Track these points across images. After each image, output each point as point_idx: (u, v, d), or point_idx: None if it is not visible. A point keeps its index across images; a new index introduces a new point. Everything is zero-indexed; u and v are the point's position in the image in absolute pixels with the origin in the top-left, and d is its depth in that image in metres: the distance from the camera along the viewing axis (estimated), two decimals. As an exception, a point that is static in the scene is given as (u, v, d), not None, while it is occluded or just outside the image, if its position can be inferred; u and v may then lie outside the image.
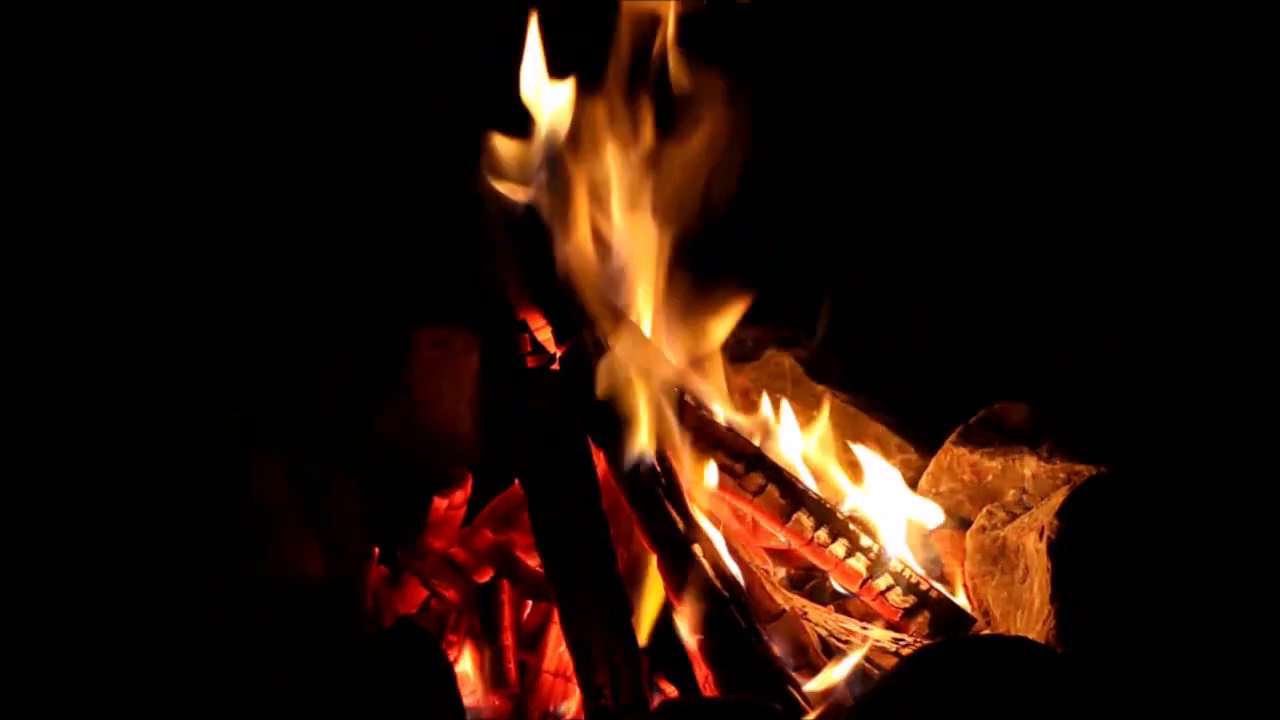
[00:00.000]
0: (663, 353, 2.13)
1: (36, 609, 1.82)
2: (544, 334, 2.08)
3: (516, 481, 2.07)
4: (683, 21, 2.16)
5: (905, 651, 1.93)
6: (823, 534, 2.08)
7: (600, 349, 2.01)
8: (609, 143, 2.14)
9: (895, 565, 2.07)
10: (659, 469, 1.94)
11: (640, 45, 2.17)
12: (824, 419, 2.35)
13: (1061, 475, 2.19)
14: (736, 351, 2.58)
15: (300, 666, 1.81)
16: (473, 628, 2.04)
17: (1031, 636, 1.84)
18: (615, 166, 2.14)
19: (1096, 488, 1.93)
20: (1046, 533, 1.89)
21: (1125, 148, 2.83)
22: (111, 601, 1.84)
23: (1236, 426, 2.22)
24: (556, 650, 1.95)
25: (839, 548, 2.08)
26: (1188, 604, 1.74)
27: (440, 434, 2.39)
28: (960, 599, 2.13)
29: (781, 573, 2.18)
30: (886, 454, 2.42)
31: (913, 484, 2.40)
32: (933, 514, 2.25)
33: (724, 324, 2.20)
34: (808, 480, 2.19)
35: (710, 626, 1.80)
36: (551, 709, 1.93)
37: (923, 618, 2.04)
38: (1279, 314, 2.52)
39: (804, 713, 1.74)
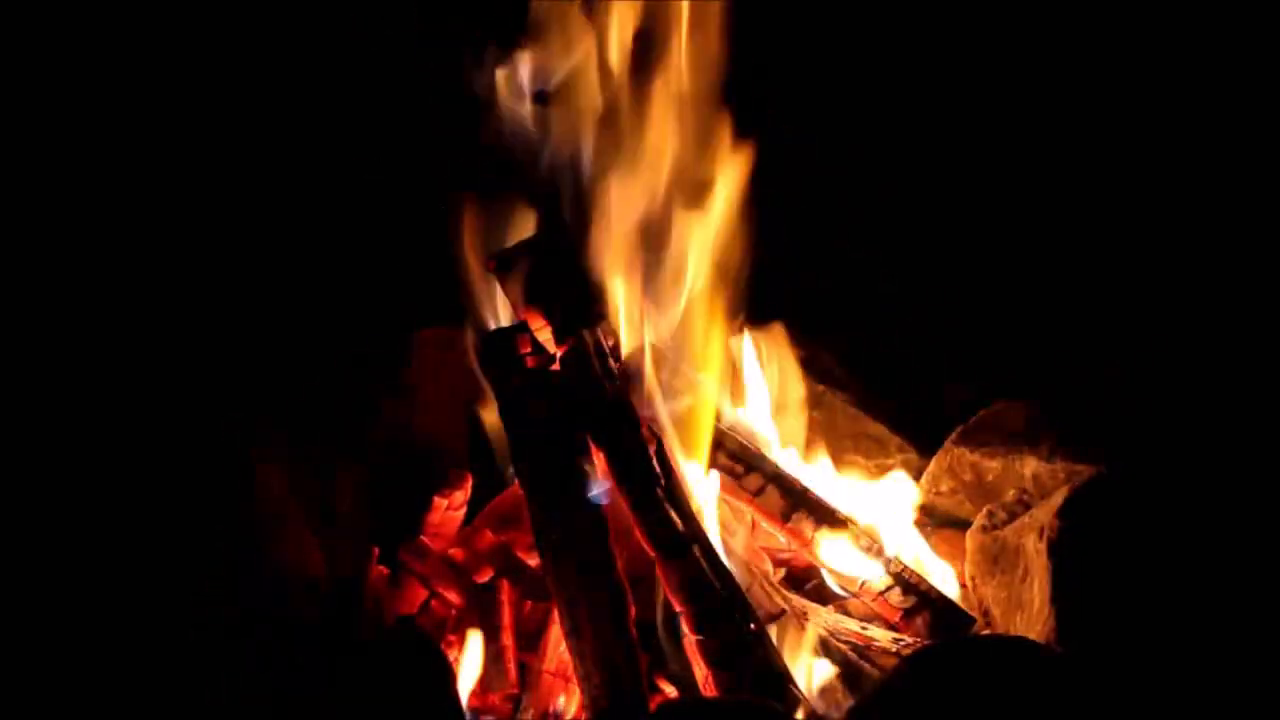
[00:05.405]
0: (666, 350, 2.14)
1: (36, 608, 1.82)
2: (544, 334, 2.08)
3: (516, 481, 2.07)
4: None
5: (905, 651, 1.93)
6: (823, 535, 2.08)
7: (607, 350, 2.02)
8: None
9: (895, 565, 2.08)
10: (659, 469, 1.94)
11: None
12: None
13: (1061, 475, 2.18)
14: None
15: (300, 666, 1.82)
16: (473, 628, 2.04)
17: (1031, 636, 1.84)
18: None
19: (1096, 488, 1.93)
20: (1046, 533, 1.89)
21: (1126, 147, 2.83)
22: (112, 601, 1.84)
23: (1236, 427, 2.22)
24: (556, 650, 1.95)
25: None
26: (1187, 604, 1.74)
27: (441, 434, 2.40)
28: (960, 599, 2.13)
29: (781, 573, 2.18)
30: (886, 454, 2.42)
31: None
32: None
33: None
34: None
35: (710, 626, 1.80)
36: (551, 709, 1.93)
37: (922, 618, 2.04)
38: (1277, 313, 2.52)
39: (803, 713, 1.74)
